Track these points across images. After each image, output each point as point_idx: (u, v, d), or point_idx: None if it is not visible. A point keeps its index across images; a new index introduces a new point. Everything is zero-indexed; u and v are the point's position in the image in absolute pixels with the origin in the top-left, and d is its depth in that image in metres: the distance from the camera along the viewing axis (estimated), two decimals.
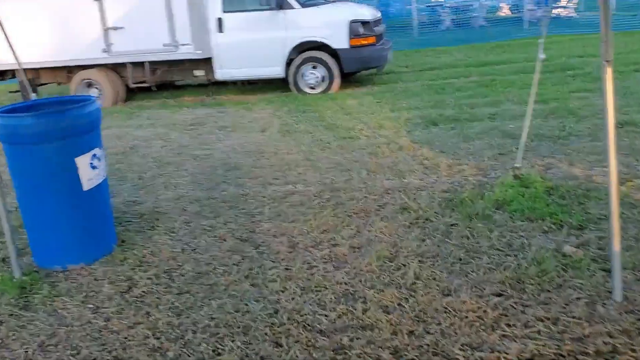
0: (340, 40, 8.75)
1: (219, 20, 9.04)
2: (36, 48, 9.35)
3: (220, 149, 6.19)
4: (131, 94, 10.15)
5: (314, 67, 9.00)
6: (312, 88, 9.10)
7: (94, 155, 3.55)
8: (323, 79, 9.02)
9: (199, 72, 9.70)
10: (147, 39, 9.06)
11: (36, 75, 10.15)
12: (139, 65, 9.57)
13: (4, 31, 4.25)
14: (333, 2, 9.70)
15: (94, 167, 3.56)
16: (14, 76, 10.10)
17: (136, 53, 9.22)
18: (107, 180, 3.74)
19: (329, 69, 8.89)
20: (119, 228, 4.02)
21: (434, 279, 3.00)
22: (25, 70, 9.71)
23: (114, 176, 5.38)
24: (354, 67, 8.98)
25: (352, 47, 8.76)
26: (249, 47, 8.99)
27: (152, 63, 9.44)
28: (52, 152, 3.33)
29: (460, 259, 3.19)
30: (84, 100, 3.65)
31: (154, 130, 7.41)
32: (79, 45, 9.31)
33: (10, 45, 4.43)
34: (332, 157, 5.46)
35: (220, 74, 9.26)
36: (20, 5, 9.22)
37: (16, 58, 4.66)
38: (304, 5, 8.81)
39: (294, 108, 8.11)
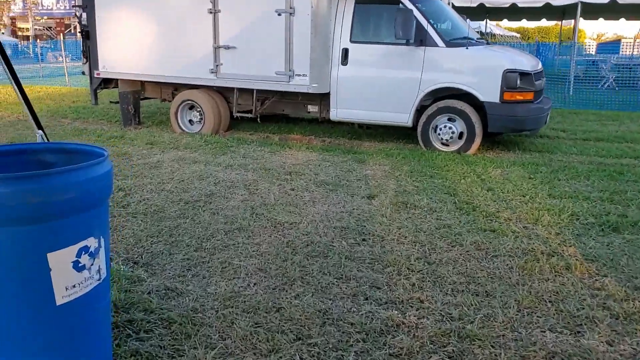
0: (490, 92, 7.11)
1: (345, 51, 7.77)
2: (142, 58, 8.66)
3: (310, 216, 4.81)
4: (235, 122, 9.13)
5: (451, 120, 7.41)
6: (445, 144, 7.51)
7: (84, 249, 2.24)
8: (460, 136, 7.40)
9: (313, 108, 8.47)
10: (259, 64, 8.01)
11: (141, 87, 9.48)
12: (246, 92, 8.55)
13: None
14: (487, 44, 8.06)
15: (80, 269, 2.24)
16: (116, 86, 9.50)
17: (244, 79, 8.20)
18: (107, 283, 2.43)
19: (469, 124, 7.26)
20: (132, 344, 2.70)
21: None
22: (128, 81, 9.08)
23: (168, 239, 4.15)
24: (502, 127, 7.27)
25: (504, 102, 7.08)
26: (375, 85, 7.62)
27: (260, 92, 8.36)
28: (12, 240, 2.08)
29: None
30: (88, 154, 2.39)
31: (243, 175, 6.23)
32: (186, 61, 8.48)
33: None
34: (464, 264, 3.85)
35: (336, 113, 7.96)
36: (132, 11, 8.57)
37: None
38: (449, 44, 7.30)
39: (417, 169, 6.56)
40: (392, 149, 7.80)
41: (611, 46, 30.42)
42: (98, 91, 9.80)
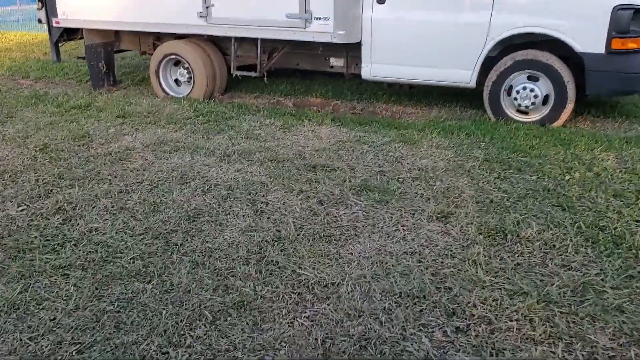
0: (591, 39, 5.04)
1: None
2: (117, 4, 6.57)
3: (355, 264, 3.02)
4: (235, 81, 7.09)
5: (532, 79, 5.33)
6: (523, 112, 5.48)
7: None
8: (545, 100, 5.33)
9: (338, 62, 6.40)
10: (264, 4, 5.94)
11: (115, 38, 7.40)
12: (248, 42, 6.48)
13: None
14: None
15: None
16: (83, 37, 7.42)
17: (245, 25, 6.11)
18: None
19: (559, 84, 5.23)
20: None
21: None
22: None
23: (106, 344, 2.30)
24: (607, 89, 5.24)
25: (611, 52, 4.99)
26: (424, 32, 5.56)
27: (267, 41, 6.28)
28: None
29: None
30: None
31: (246, 173, 4.37)
32: (168, 3, 6.37)
33: None
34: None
35: (370, 70, 5.90)
36: None
37: None
38: None
39: (494, 155, 4.61)
40: (448, 119, 5.79)
41: None
42: (61, 44, 7.73)
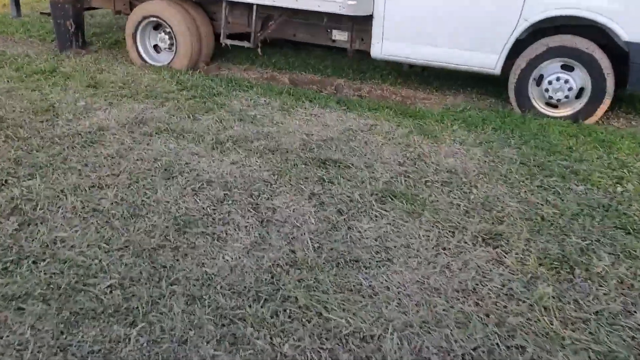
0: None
1: None
2: None
3: (393, 307, 2.40)
4: (219, 49, 6.28)
5: (566, 68, 4.71)
6: (553, 106, 4.86)
7: None
8: (579, 94, 4.73)
9: (341, 36, 5.67)
10: None
11: None
12: (240, 6, 5.68)
13: None
14: None
15: None
16: None
17: None
18: None
19: (597, 76, 4.64)
20: None
21: None
22: None
23: None
24: None
25: None
26: (446, 8, 4.85)
27: (263, 7, 5.49)
28: None
29: None
30: None
31: (245, 166, 3.72)
32: None
33: None
34: None
35: (382, 48, 5.20)
36: None
37: None
38: None
39: (530, 155, 4.05)
40: (466, 108, 5.15)
41: None
42: None
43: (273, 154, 3.93)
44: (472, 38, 4.88)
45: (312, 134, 4.36)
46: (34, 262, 2.57)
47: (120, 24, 8.14)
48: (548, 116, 4.86)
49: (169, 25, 5.82)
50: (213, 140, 4.07)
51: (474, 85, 5.85)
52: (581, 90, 4.80)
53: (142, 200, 3.20)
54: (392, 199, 3.33)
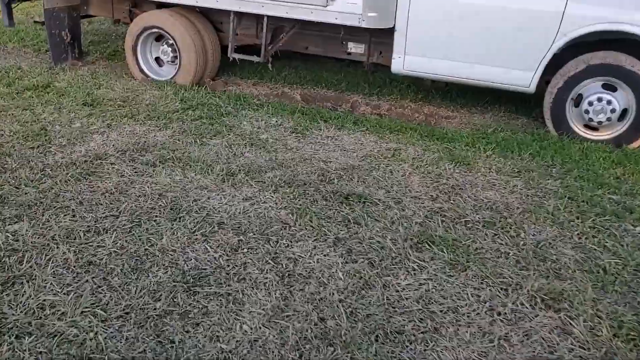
0: None
1: None
2: None
3: None
4: (224, 61, 5.86)
5: (608, 88, 4.30)
6: (592, 128, 4.45)
7: None
8: (622, 116, 4.32)
9: (357, 49, 5.26)
10: None
11: (82, 2, 6.10)
12: (248, 18, 5.28)
13: None
14: None
15: None
16: None
17: None
18: None
19: None
20: None
21: None
22: None
23: None
24: None
25: None
26: (477, 22, 4.45)
27: (274, 19, 5.09)
28: None
29: None
30: None
31: (259, 203, 3.37)
32: None
33: None
34: None
35: (404, 63, 4.80)
36: None
37: None
38: None
39: (576, 189, 3.71)
40: (497, 129, 4.73)
41: None
42: (14, 4, 6.37)
43: (290, 187, 3.52)
44: (505, 54, 4.47)
45: (331, 162, 3.96)
46: (17, 337, 2.16)
47: (119, 32, 7.74)
48: (588, 140, 4.44)
49: (172, 38, 5.41)
50: (223, 172, 3.66)
51: (501, 102, 5.44)
52: (624, 112, 4.39)
53: (146, 250, 2.79)
54: (429, 246, 2.92)
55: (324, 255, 2.82)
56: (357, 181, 3.66)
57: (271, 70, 5.61)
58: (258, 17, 5.27)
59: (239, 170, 3.71)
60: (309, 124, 4.66)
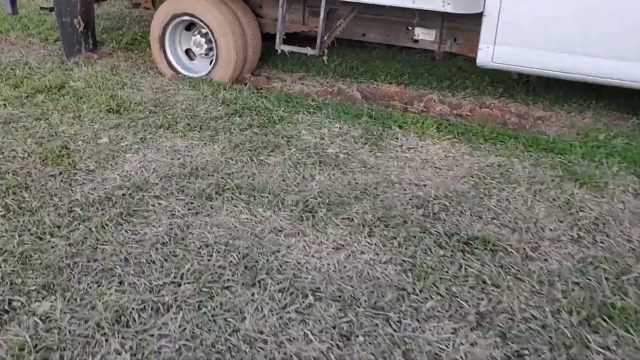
0: None
1: None
2: None
3: None
4: (263, 54, 5.03)
5: None
6: None
7: None
8: None
9: (427, 35, 4.43)
10: None
11: None
12: (297, 1, 4.44)
13: None
14: None
15: None
16: None
17: None
18: None
19: None
20: None
21: None
22: None
23: None
24: None
25: None
26: (598, 6, 3.56)
27: (331, 1, 4.24)
28: None
29: None
30: None
31: (355, 253, 2.59)
32: None
33: None
34: None
35: (493, 54, 3.98)
36: None
37: None
38: None
39: None
40: (610, 134, 3.92)
41: None
42: None
43: (386, 226, 2.74)
44: (629, 43, 3.61)
45: (425, 185, 3.17)
46: None
47: (134, 16, 6.89)
48: None
49: (207, 26, 4.56)
50: (298, 206, 2.87)
51: (597, 96, 4.59)
52: None
53: (226, 340, 2.01)
54: (606, 322, 2.13)
55: (471, 345, 2.03)
56: (471, 216, 2.87)
57: (325, 63, 4.76)
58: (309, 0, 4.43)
59: (317, 203, 2.92)
60: (381, 131, 3.86)
